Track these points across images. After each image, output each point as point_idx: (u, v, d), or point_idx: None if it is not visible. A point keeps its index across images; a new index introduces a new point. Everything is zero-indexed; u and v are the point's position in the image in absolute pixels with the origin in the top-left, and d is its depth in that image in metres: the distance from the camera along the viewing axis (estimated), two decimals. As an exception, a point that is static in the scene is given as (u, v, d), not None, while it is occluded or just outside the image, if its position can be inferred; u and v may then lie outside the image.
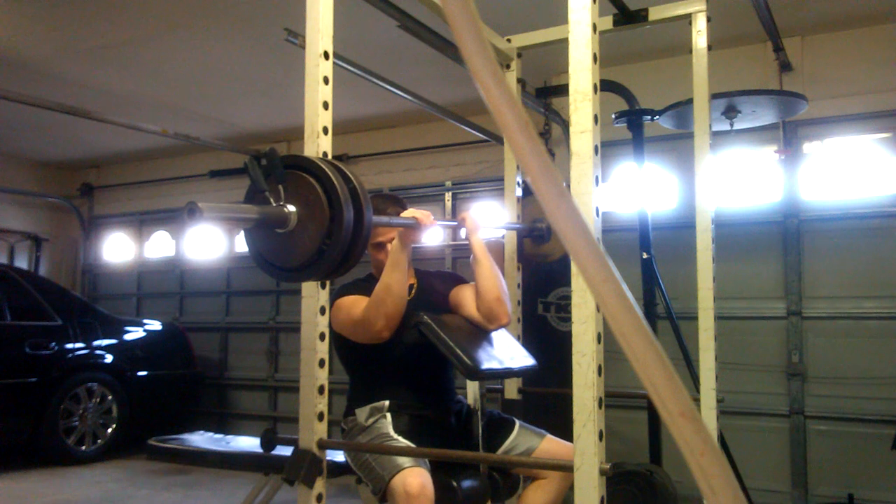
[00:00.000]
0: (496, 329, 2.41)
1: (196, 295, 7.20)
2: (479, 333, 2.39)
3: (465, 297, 2.45)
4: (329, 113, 1.90)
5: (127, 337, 6.05)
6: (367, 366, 2.44)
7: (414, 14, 3.09)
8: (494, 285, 2.37)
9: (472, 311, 2.41)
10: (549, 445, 2.40)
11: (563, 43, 1.75)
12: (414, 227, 2.20)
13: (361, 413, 2.36)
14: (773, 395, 4.31)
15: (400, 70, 4.22)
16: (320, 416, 1.89)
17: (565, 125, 4.51)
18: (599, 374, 1.60)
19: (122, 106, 5.57)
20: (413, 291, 2.52)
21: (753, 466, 4.15)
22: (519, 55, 3.19)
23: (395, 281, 2.23)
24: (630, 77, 4.12)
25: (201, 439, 4.38)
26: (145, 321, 6.42)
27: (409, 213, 2.27)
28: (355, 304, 2.30)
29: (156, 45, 4.59)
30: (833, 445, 4.17)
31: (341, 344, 2.40)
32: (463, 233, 2.45)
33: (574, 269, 1.56)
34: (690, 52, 2.80)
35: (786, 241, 4.35)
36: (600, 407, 1.60)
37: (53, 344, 5.34)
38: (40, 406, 5.15)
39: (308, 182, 1.44)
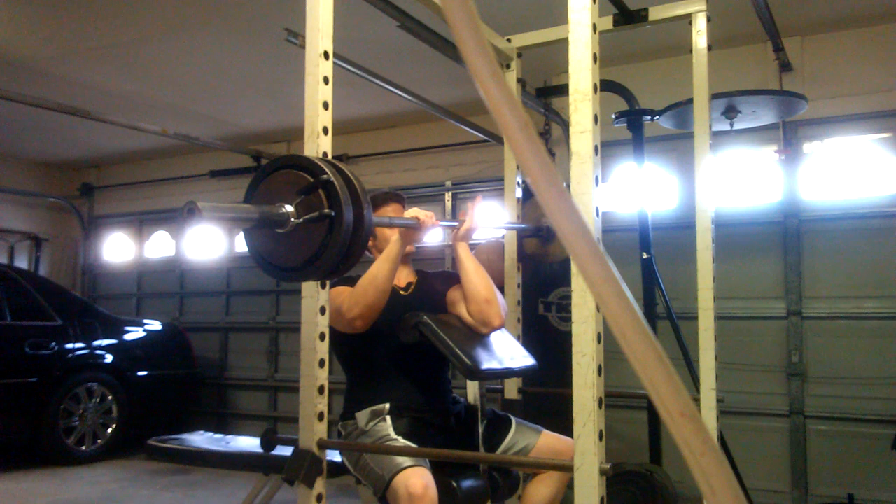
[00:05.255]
0: (490, 333, 2.38)
1: (196, 295, 7.20)
2: (478, 333, 2.38)
3: (460, 297, 2.43)
4: (329, 113, 1.90)
5: (127, 337, 6.05)
6: (365, 366, 2.43)
7: (414, 14, 3.09)
8: (482, 286, 2.34)
9: (465, 313, 2.39)
10: (547, 441, 2.40)
11: (563, 43, 1.75)
12: (415, 227, 2.20)
13: (362, 417, 2.33)
14: (773, 395, 4.31)
15: (400, 70, 4.22)
16: (320, 416, 1.89)
17: (565, 125, 4.51)
18: (599, 374, 1.60)
19: (122, 106, 5.57)
20: (412, 289, 2.52)
21: (753, 466, 4.15)
22: (519, 55, 3.19)
23: (383, 273, 2.23)
24: (630, 77, 4.12)
25: (201, 439, 4.36)
26: (145, 321, 6.41)
27: (412, 213, 2.26)
28: (341, 293, 2.29)
29: (156, 45, 4.59)
30: (833, 445, 4.16)
31: (339, 342, 2.39)
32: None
33: (574, 269, 1.56)
34: (690, 52, 2.79)
35: (786, 241, 4.35)
36: (600, 407, 1.60)
37: (53, 344, 5.34)
38: (40, 406, 5.15)
39: (308, 182, 1.44)
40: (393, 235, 2.33)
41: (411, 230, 2.23)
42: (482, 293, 2.34)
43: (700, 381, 2.68)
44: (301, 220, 1.41)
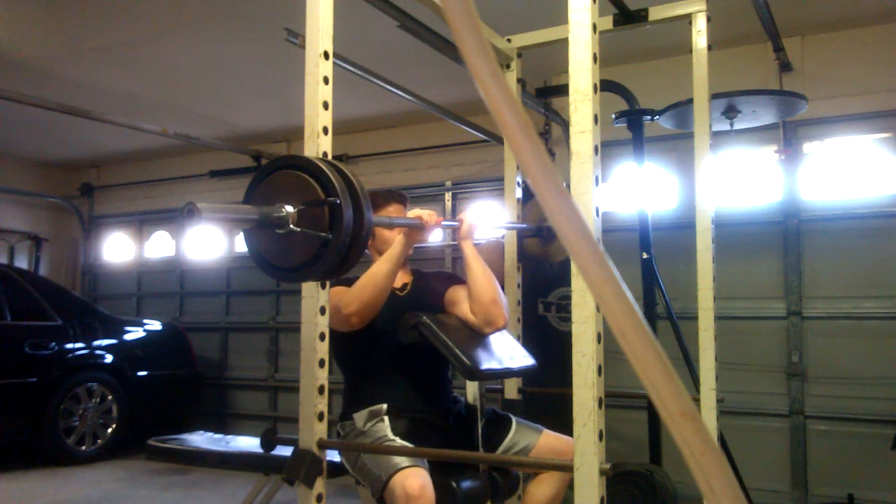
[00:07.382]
0: (492, 332, 2.38)
1: (196, 295, 7.20)
2: (478, 333, 2.38)
3: (461, 297, 2.43)
4: (329, 113, 1.90)
5: (127, 337, 6.05)
6: (363, 367, 2.42)
7: (414, 14, 3.08)
8: (488, 287, 2.35)
9: (467, 313, 2.39)
10: (548, 440, 2.40)
11: (563, 43, 1.75)
12: (419, 227, 2.19)
13: (360, 418, 2.33)
14: (773, 395, 4.31)
15: (400, 70, 4.22)
16: (320, 416, 1.89)
17: (565, 125, 4.51)
18: (599, 374, 1.60)
19: (122, 106, 5.56)
20: (408, 290, 2.51)
21: (753, 466, 4.15)
22: (519, 55, 3.19)
23: (383, 272, 2.23)
24: (630, 77, 4.12)
25: (201, 439, 4.37)
26: (145, 321, 6.41)
27: (416, 213, 2.26)
28: (340, 293, 2.30)
29: (156, 45, 4.59)
30: (833, 445, 4.16)
31: (338, 342, 2.38)
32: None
33: (574, 269, 1.56)
34: (690, 52, 2.79)
35: (786, 241, 4.35)
36: (600, 407, 1.60)
37: (53, 344, 5.34)
38: (40, 406, 5.15)
39: (308, 182, 1.44)
40: (395, 236, 2.33)
41: (415, 231, 2.23)
42: (488, 294, 2.34)
43: (700, 381, 2.68)
44: (300, 230, 1.40)
